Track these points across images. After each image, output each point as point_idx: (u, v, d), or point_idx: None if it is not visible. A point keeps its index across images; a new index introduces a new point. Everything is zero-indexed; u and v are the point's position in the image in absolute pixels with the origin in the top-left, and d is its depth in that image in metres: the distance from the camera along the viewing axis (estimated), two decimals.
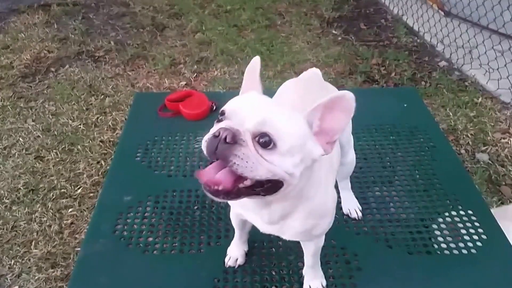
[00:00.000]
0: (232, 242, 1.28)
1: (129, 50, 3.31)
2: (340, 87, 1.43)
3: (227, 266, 1.25)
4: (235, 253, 1.26)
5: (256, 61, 0.89)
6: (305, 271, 1.22)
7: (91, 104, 2.77)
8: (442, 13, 3.44)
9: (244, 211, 0.99)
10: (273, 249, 1.30)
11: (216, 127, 0.74)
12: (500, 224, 1.37)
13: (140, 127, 1.77)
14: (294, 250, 1.28)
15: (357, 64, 3.07)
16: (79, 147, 2.42)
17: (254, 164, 0.71)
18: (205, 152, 0.74)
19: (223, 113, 0.77)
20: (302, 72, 1.36)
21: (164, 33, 3.56)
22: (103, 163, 2.31)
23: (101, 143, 2.44)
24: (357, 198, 1.45)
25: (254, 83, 0.87)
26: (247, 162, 0.71)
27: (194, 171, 0.81)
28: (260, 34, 3.49)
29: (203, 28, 3.59)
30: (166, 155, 1.63)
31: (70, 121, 2.63)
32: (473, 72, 2.89)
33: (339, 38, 3.40)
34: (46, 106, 2.78)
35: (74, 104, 2.77)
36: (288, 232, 0.95)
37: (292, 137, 0.75)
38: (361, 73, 2.93)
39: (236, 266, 1.25)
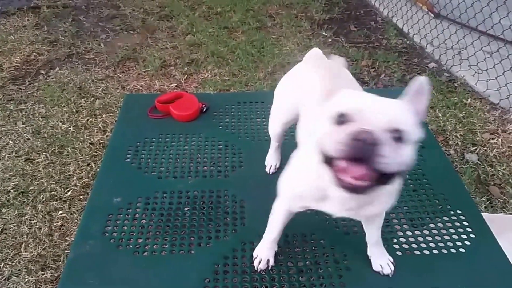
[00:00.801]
0: (262, 244, 1.26)
1: (119, 52, 3.31)
2: None
3: (259, 270, 1.23)
4: (266, 254, 1.25)
5: (340, 59, 0.88)
6: (371, 252, 1.26)
7: (81, 106, 2.76)
8: (432, 14, 3.48)
9: (319, 203, 1.01)
10: None
11: (344, 131, 0.76)
12: (498, 235, 1.38)
13: (130, 128, 1.76)
14: (284, 250, 1.29)
15: (347, 65, 3.09)
16: (69, 149, 2.41)
17: (393, 160, 0.76)
18: (339, 154, 0.77)
19: (342, 116, 0.79)
20: None
21: (155, 35, 3.55)
22: (93, 165, 2.31)
23: (91, 145, 2.43)
24: None
25: (342, 82, 0.90)
26: (388, 159, 0.75)
27: (333, 173, 0.80)
28: (251, 36, 3.50)
29: (194, 30, 3.59)
30: (156, 157, 1.63)
31: (60, 124, 2.61)
32: (462, 73, 2.93)
33: (329, 40, 3.42)
34: (36, 108, 2.77)
35: (64, 106, 2.76)
36: (365, 214, 1.02)
37: (413, 128, 0.81)
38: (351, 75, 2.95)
39: (269, 268, 1.24)
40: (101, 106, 2.75)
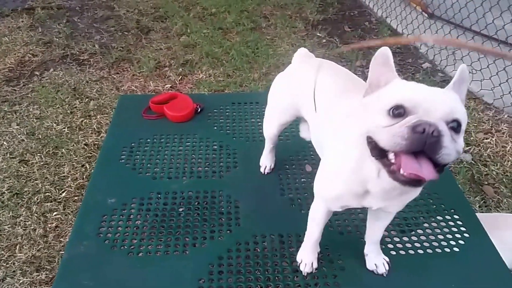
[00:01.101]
0: (305, 248, 1.24)
1: (114, 53, 3.30)
2: None
3: (305, 274, 1.22)
4: (310, 257, 1.23)
5: (385, 51, 0.88)
6: (368, 250, 1.25)
7: (76, 107, 2.75)
8: (426, 15, 3.50)
9: (359, 200, 1.00)
10: (258, 249, 1.30)
11: (404, 123, 0.75)
12: (490, 233, 1.38)
13: (124, 129, 1.76)
14: (279, 250, 1.29)
15: (342, 66, 3.10)
16: (63, 150, 2.40)
17: (452, 150, 0.75)
18: (398, 147, 0.75)
19: (399, 107, 0.77)
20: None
21: (149, 36, 3.55)
22: (87, 166, 2.30)
23: (85, 146, 2.42)
24: None
25: (390, 73, 0.87)
26: (449, 150, 0.75)
27: (389, 166, 0.79)
28: (245, 36, 3.50)
29: (188, 31, 3.59)
30: (151, 158, 1.62)
31: (54, 125, 2.60)
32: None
33: (324, 41, 3.43)
34: (31, 109, 2.75)
35: (58, 107, 2.75)
36: (397, 205, 1.02)
37: (466, 117, 0.80)
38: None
39: (313, 271, 1.23)
40: (96, 107, 2.74)
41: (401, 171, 0.76)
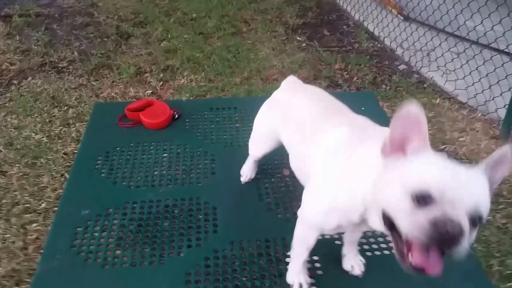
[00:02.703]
0: (293, 269, 1.19)
1: (93, 60, 3.24)
2: None
3: None
4: (302, 276, 1.19)
5: (418, 113, 0.76)
6: (345, 251, 1.24)
7: (54, 116, 2.69)
8: (401, 17, 3.52)
9: (357, 227, 0.98)
10: (235, 256, 1.28)
11: (427, 214, 0.69)
12: None
13: (99, 137, 1.72)
14: (256, 256, 1.27)
15: (321, 69, 3.10)
16: (42, 160, 2.34)
17: (466, 246, 0.70)
18: (419, 242, 0.71)
19: (426, 196, 0.70)
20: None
21: (129, 42, 3.50)
22: (67, 176, 2.23)
23: (64, 156, 2.36)
24: None
25: (421, 140, 0.78)
26: (464, 247, 0.69)
27: (411, 264, 0.75)
28: (226, 41, 3.48)
29: (169, 36, 3.55)
30: (126, 166, 1.59)
31: (33, 134, 2.54)
32: (431, 74, 2.97)
33: (304, 45, 3.43)
34: (9, 119, 2.68)
35: (37, 116, 2.68)
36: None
37: (488, 208, 0.74)
38: (325, 78, 2.97)
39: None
40: (75, 115, 2.68)
41: (409, 258, 0.73)
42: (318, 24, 3.72)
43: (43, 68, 3.18)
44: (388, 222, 0.77)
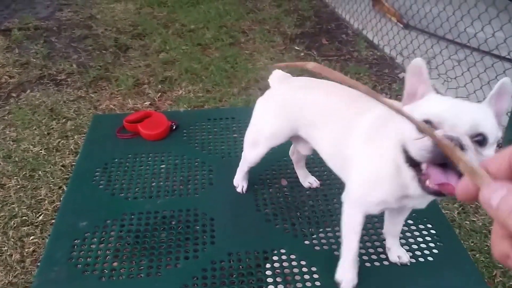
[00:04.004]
0: (344, 266, 1.20)
1: (92, 72, 3.29)
2: None
3: None
4: (352, 274, 1.20)
5: (418, 63, 0.94)
6: (390, 244, 1.31)
7: (53, 128, 2.73)
8: (401, 25, 3.57)
9: (400, 201, 1.05)
10: (233, 267, 1.29)
11: (428, 138, 0.81)
12: None
13: (97, 149, 1.75)
14: (254, 267, 1.29)
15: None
16: (40, 172, 2.38)
17: (476, 163, 0.77)
18: (424, 159, 0.83)
19: (427, 123, 0.84)
20: (267, 88, 1.41)
21: (128, 54, 3.55)
22: (65, 188, 2.27)
23: (62, 168, 2.40)
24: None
25: (424, 85, 0.93)
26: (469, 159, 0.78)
27: (418, 176, 0.87)
28: (224, 52, 3.53)
29: (167, 47, 3.61)
30: (124, 177, 1.61)
31: (31, 147, 2.57)
32: (432, 82, 2.99)
33: (302, 54, 3.48)
34: (7, 132, 2.72)
35: (35, 129, 2.72)
36: (428, 200, 1.08)
37: (495, 130, 0.85)
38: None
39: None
40: (73, 127, 2.72)
41: (428, 182, 0.84)
42: (316, 33, 3.77)
43: (42, 81, 3.23)
44: (408, 159, 0.88)
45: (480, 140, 0.82)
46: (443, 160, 0.80)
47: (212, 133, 1.88)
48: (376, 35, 3.53)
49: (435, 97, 0.92)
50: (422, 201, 1.07)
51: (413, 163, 0.88)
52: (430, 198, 1.05)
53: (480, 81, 2.77)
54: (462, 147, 0.78)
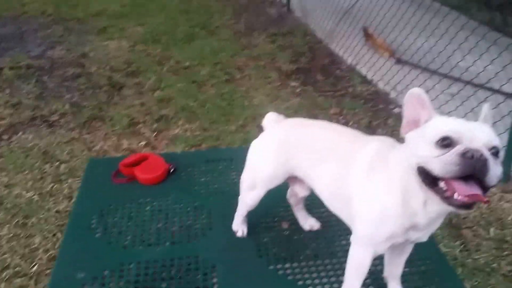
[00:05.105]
0: None
1: (85, 112, 3.35)
2: None
3: None
4: None
5: (419, 92, 1.05)
6: (393, 286, 1.39)
7: (46, 172, 2.75)
8: (394, 60, 3.71)
9: (406, 235, 1.11)
10: None
11: (454, 152, 0.92)
12: None
13: (93, 195, 1.79)
14: None
15: (317, 114, 3.23)
16: (33, 219, 2.38)
17: (496, 173, 0.91)
18: (452, 174, 0.91)
19: (447, 139, 0.94)
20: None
21: (122, 93, 3.63)
22: (59, 235, 2.27)
23: (57, 214, 2.40)
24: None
25: (428, 111, 1.04)
26: (493, 173, 0.90)
27: (444, 190, 0.94)
28: (220, 89, 3.62)
29: (162, 85, 3.69)
30: (122, 225, 1.65)
31: (24, 192, 2.58)
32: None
33: (298, 90, 3.58)
34: None
35: (28, 173, 2.74)
36: (429, 233, 1.15)
37: (501, 145, 0.97)
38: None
39: None
40: (67, 170, 2.74)
41: (456, 196, 0.91)
42: (311, 69, 3.89)
43: (34, 122, 3.28)
44: (426, 178, 0.96)
45: (495, 152, 0.93)
46: (472, 171, 0.89)
47: (211, 176, 1.93)
48: (370, 70, 3.65)
49: (444, 118, 1.03)
50: (427, 231, 1.13)
51: (432, 184, 0.95)
52: (434, 228, 1.13)
53: (474, 115, 2.85)
54: (485, 157, 0.89)
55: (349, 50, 3.93)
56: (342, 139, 1.29)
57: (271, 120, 1.48)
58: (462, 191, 0.90)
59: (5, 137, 3.13)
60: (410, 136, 1.06)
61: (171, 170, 1.90)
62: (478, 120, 1.05)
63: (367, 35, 4.07)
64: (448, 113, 2.96)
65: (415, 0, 3.88)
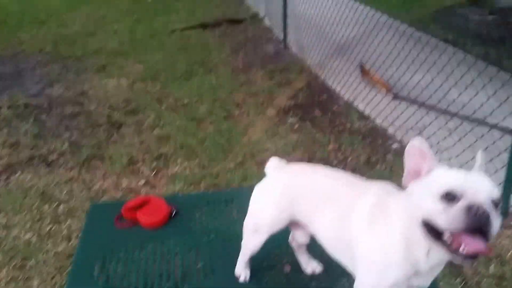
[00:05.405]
0: None
1: (84, 151, 3.40)
2: None
3: None
4: None
5: (419, 144, 1.10)
6: None
7: (44, 212, 2.77)
8: (391, 95, 3.81)
9: (409, 282, 1.15)
10: None
11: (459, 207, 0.96)
12: None
13: (96, 241, 1.81)
14: None
15: (315, 150, 3.30)
16: (32, 261, 2.39)
17: (498, 225, 0.96)
18: (458, 228, 0.96)
19: (452, 194, 0.99)
20: (263, 163, 1.55)
21: (121, 131, 3.69)
22: (58, 278, 2.27)
23: (56, 256, 2.41)
24: None
25: (429, 162, 1.08)
26: (496, 224, 0.96)
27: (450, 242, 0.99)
28: (219, 125, 3.70)
29: (161, 123, 3.77)
30: (125, 270, 1.67)
31: (22, 234, 2.60)
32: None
33: (296, 126, 3.66)
34: None
35: (26, 214, 2.76)
36: (431, 278, 1.18)
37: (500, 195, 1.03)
38: (319, 160, 3.14)
39: None
40: (66, 211, 2.77)
41: (462, 249, 0.96)
42: (309, 105, 3.99)
43: (32, 162, 3.32)
44: (431, 231, 1.00)
45: (496, 203, 0.99)
46: (478, 225, 0.94)
47: (212, 218, 1.97)
48: (367, 106, 3.75)
49: (446, 170, 1.08)
50: (429, 278, 1.18)
51: (436, 237, 1.00)
52: (435, 274, 1.17)
53: (472, 151, 2.92)
54: (489, 213, 0.94)
55: (346, 85, 4.05)
56: (343, 186, 1.34)
57: (274, 166, 1.53)
58: (469, 245, 0.96)
59: (3, 177, 3.16)
60: (412, 187, 1.10)
61: (174, 213, 1.94)
62: (474, 167, 1.10)
63: (364, 72, 4.20)
64: (446, 149, 3.03)
65: (410, 35, 4.02)
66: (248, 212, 1.54)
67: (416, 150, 1.10)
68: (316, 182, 1.39)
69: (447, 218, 0.97)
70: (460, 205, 0.96)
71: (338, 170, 1.46)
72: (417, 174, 1.10)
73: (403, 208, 1.11)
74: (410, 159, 1.11)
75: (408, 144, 1.11)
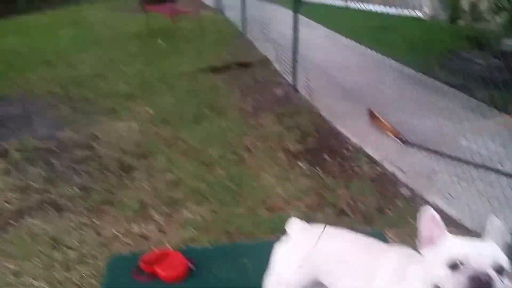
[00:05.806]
0: None
1: (95, 195, 3.45)
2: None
3: None
4: None
5: (431, 212, 1.21)
6: None
7: (55, 259, 2.79)
8: (400, 142, 3.90)
9: None
10: None
11: (463, 274, 1.07)
12: None
13: None
14: None
15: (325, 196, 3.34)
16: None
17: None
18: None
19: (456, 263, 1.09)
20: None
21: (132, 175, 3.75)
22: None
23: None
24: None
25: (439, 229, 1.20)
26: None
27: None
28: (229, 170, 3.77)
29: (172, 167, 3.83)
30: None
31: (32, 280, 2.62)
32: (434, 198, 3.19)
33: (306, 170, 3.72)
34: (6, 264, 2.77)
35: (36, 261, 2.79)
36: None
37: (506, 260, 1.11)
38: (329, 205, 3.19)
39: None
40: (76, 257, 2.79)
41: None
42: (318, 149, 4.07)
43: (42, 206, 3.36)
44: None
45: (499, 270, 1.08)
46: None
47: (230, 272, 1.99)
48: (376, 151, 3.83)
49: (453, 239, 1.18)
50: None
51: None
52: None
53: (481, 197, 2.97)
54: (491, 280, 1.03)
55: (355, 130, 4.14)
56: (365, 251, 1.43)
57: (297, 227, 1.60)
58: None
59: (12, 222, 3.19)
60: (426, 253, 1.22)
61: (192, 267, 1.97)
62: (484, 234, 1.19)
63: (373, 117, 4.30)
64: (456, 196, 3.08)
65: (418, 79, 4.16)
66: (269, 272, 1.59)
67: (428, 218, 1.21)
68: (339, 249, 1.48)
69: (453, 285, 1.07)
70: (463, 273, 1.07)
71: (360, 235, 1.53)
72: (431, 241, 1.21)
73: (420, 274, 1.21)
74: (423, 226, 1.22)
75: (421, 212, 1.22)
